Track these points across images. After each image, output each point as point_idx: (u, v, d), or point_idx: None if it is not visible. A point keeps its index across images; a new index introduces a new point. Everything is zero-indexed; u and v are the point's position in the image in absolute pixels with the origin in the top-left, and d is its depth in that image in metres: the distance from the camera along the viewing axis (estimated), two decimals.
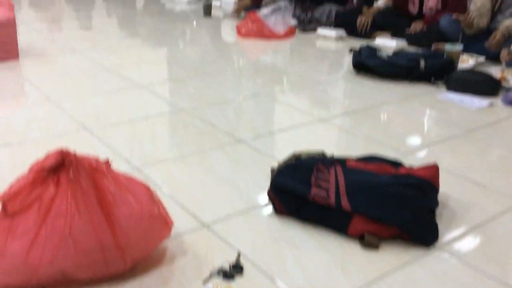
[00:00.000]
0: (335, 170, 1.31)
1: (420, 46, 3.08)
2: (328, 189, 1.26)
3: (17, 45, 2.69)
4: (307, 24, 3.79)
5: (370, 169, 1.35)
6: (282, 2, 3.66)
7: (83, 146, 1.72)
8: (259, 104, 2.23)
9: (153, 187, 1.20)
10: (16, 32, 2.67)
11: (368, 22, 3.42)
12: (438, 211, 1.33)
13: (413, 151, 1.75)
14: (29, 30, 3.45)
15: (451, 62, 2.51)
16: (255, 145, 1.77)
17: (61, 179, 1.01)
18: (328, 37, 3.51)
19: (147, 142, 1.78)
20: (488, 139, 1.87)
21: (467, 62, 2.67)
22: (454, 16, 2.86)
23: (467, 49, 2.73)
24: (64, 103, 2.11)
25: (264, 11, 3.56)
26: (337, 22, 3.63)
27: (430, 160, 1.54)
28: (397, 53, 2.73)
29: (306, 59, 3.09)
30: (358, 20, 3.44)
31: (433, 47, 2.86)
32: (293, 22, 3.73)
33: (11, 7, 2.68)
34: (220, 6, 4.28)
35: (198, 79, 2.56)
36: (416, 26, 3.22)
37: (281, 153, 1.63)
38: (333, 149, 1.65)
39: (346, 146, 1.83)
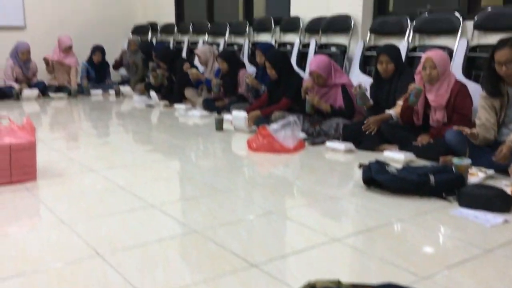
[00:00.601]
0: None
1: (427, 159, 3.14)
2: None
3: (36, 167, 2.78)
4: (315, 137, 3.90)
5: None
6: (291, 117, 3.80)
7: (95, 274, 1.70)
8: (272, 223, 2.23)
9: None
10: (35, 155, 2.77)
11: (374, 128, 3.53)
12: None
13: (431, 275, 1.70)
14: (48, 149, 3.59)
15: (461, 177, 2.53)
16: (268, 269, 1.73)
17: None
18: (337, 149, 3.59)
19: (159, 268, 1.75)
20: (507, 261, 1.82)
21: (476, 175, 2.69)
22: (455, 128, 2.94)
23: (475, 163, 2.76)
24: (77, 226, 2.13)
25: (274, 126, 3.69)
26: (345, 135, 3.74)
27: (449, 286, 1.49)
28: (406, 167, 2.77)
29: (317, 172, 3.14)
30: (365, 123, 3.55)
31: (441, 160, 2.90)
32: (302, 135, 3.85)
33: (32, 131, 2.82)
34: (231, 121, 4.44)
35: (211, 196, 2.59)
36: (423, 139, 3.30)
37: (295, 279, 1.60)
38: (348, 273, 1.61)
39: (361, 269, 1.79)
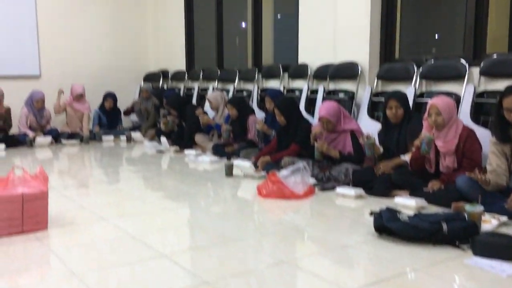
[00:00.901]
0: None
1: (439, 206, 3.11)
2: None
3: (47, 216, 2.80)
4: (325, 183, 3.90)
5: None
6: (300, 162, 3.82)
7: None
8: (283, 274, 2.20)
9: None
10: (47, 204, 2.79)
11: (385, 172, 3.54)
12: None
13: None
14: (59, 196, 3.61)
15: (474, 225, 2.50)
16: None
17: None
18: (347, 195, 3.57)
19: None
20: None
21: (489, 222, 2.66)
22: (467, 174, 2.92)
23: (488, 209, 2.73)
24: (88, 278, 2.12)
25: (283, 172, 3.70)
26: (355, 181, 3.74)
27: None
28: (418, 214, 2.74)
29: (327, 219, 3.12)
30: (377, 166, 3.60)
31: (453, 207, 2.88)
32: (311, 181, 3.85)
33: (45, 180, 2.85)
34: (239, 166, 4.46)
35: (221, 245, 2.57)
36: (433, 185, 3.29)
37: None
38: None
39: None
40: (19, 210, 2.68)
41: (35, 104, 6.49)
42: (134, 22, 8.23)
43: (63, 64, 7.55)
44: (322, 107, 4.08)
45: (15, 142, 6.24)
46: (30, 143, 6.24)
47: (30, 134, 6.37)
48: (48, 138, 6.41)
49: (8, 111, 6.33)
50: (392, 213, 2.65)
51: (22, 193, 2.70)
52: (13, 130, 6.47)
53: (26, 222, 2.70)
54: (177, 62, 7.86)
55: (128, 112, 7.49)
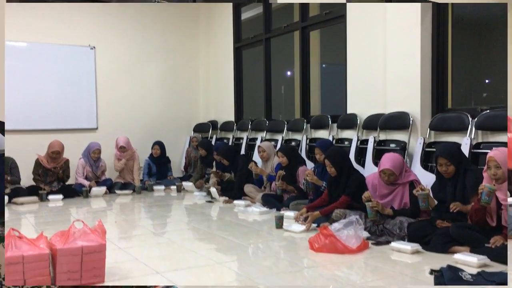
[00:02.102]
0: None
1: (504, 263, 2.94)
2: None
3: (104, 269, 2.86)
4: (379, 236, 3.80)
5: None
6: (353, 216, 3.75)
7: None
8: None
9: None
10: (105, 257, 2.86)
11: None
12: None
13: None
14: (114, 248, 3.68)
15: None
16: None
17: None
18: (403, 250, 3.45)
19: None
20: None
21: None
22: None
23: None
24: None
25: (336, 225, 3.64)
26: (410, 234, 3.62)
27: None
28: (481, 273, 2.62)
29: (384, 276, 3.01)
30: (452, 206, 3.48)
31: None
32: (365, 234, 3.76)
33: (103, 233, 2.93)
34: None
35: None
36: (496, 241, 3.13)
37: None
38: None
39: None
40: (78, 263, 2.75)
41: (92, 155, 6.78)
42: (185, 76, 8.54)
43: (118, 117, 7.89)
44: (386, 159, 4.00)
45: (72, 192, 6.49)
46: (86, 194, 6.46)
47: (87, 183, 6.61)
48: (103, 189, 6.62)
49: (67, 162, 6.63)
50: (454, 272, 2.54)
51: (82, 246, 2.78)
52: (70, 181, 6.74)
53: (85, 276, 2.77)
54: (226, 113, 8.05)
55: (187, 167, 7.78)
